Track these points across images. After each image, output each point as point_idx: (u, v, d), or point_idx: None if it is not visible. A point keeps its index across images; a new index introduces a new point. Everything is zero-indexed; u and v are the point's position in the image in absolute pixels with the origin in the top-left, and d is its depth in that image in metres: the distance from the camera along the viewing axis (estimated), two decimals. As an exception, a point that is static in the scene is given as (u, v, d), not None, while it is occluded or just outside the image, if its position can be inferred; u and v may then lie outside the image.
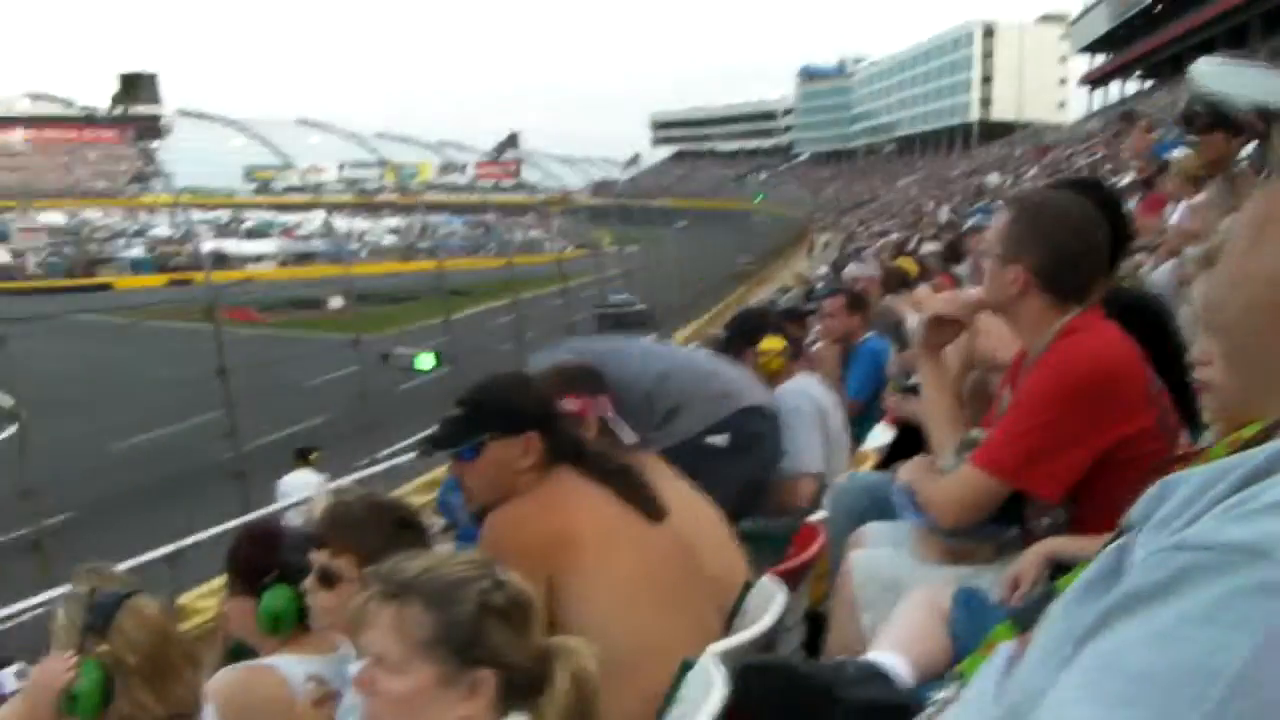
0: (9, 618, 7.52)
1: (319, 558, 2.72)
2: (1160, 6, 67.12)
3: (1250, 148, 5.34)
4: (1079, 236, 2.82)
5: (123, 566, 7.67)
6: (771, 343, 5.21)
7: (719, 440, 4.39)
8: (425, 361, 18.41)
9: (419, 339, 20.25)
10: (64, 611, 2.58)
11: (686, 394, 4.45)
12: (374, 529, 2.70)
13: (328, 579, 2.68)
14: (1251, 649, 0.63)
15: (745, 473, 4.44)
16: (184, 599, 8.66)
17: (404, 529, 2.75)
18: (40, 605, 7.32)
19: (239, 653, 3.13)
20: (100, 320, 33.88)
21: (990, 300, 2.92)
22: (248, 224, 77.33)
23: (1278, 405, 0.95)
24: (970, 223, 14.98)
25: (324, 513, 2.84)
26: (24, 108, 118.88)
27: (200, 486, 12.53)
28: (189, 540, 9.53)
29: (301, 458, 11.63)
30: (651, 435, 4.15)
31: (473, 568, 2.05)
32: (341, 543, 2.70)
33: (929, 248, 14.43)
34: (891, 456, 4.28)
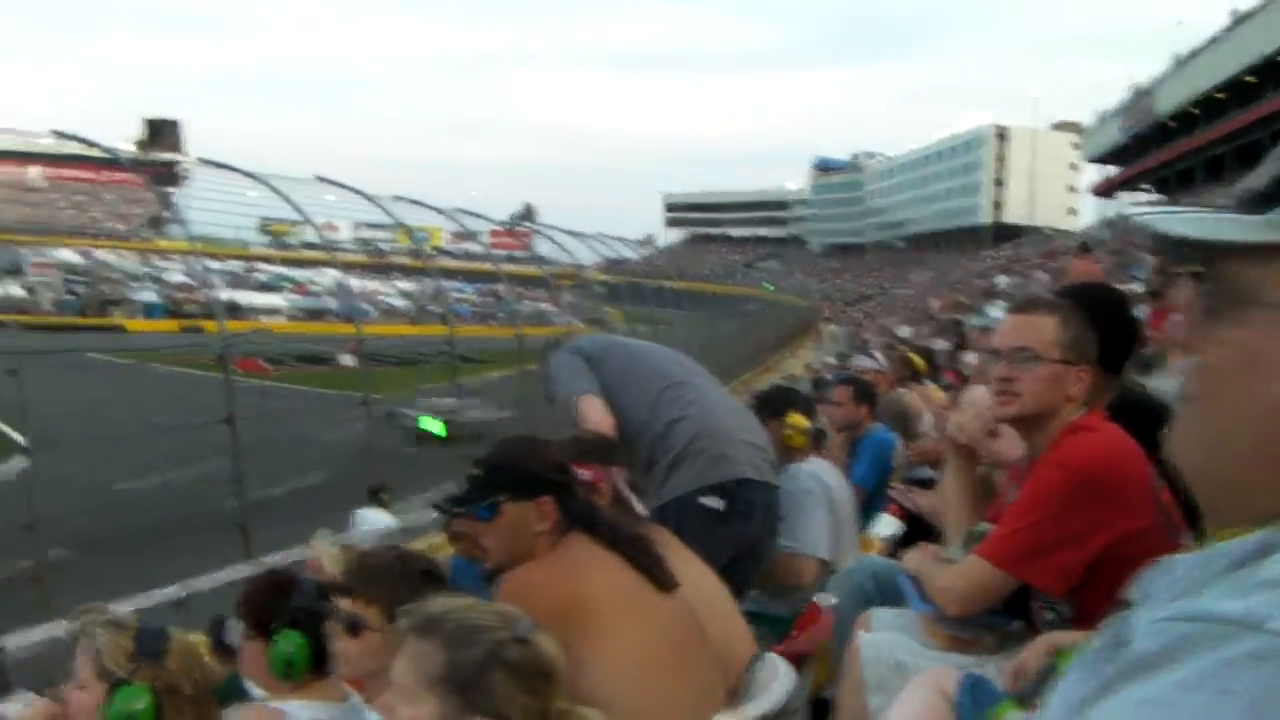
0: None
1: (345, 606, 2.77)
2: (1175, 123, 67.45)
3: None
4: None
5: (127, 607, 7.71)
6: (798, 419, 5.27)
7: (713, 503, 4.35)
8: (430, 423, 18.29)
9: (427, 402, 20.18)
10: (108, 638, 2.61)
11: (690, 450, 4.42)
12: (401, 580, 2.75)
13: (354, 627, 2.73)
14: (1238, 714, 0.67)
15: (737, 541, 4.38)
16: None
17: (429, 581, 2.81)
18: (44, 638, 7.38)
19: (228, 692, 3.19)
20: (111, 360, 33.82)
21: (1037, 408, 2.86)
22: (261, 277, 77.48)
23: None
24: (975, 321, 15.17)
25: (352, 563, 2.90)
26: (46, 145, 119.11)
27: (201, 533, 12.47)
28: (198, 585, 9.55)
29: (373, 495, 11.66)
30: (647, 488, 4.16)
31: (496, 619, 2.12)
32: (369, 593, 2.75)
33: (938, 344, 14.52)
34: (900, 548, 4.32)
